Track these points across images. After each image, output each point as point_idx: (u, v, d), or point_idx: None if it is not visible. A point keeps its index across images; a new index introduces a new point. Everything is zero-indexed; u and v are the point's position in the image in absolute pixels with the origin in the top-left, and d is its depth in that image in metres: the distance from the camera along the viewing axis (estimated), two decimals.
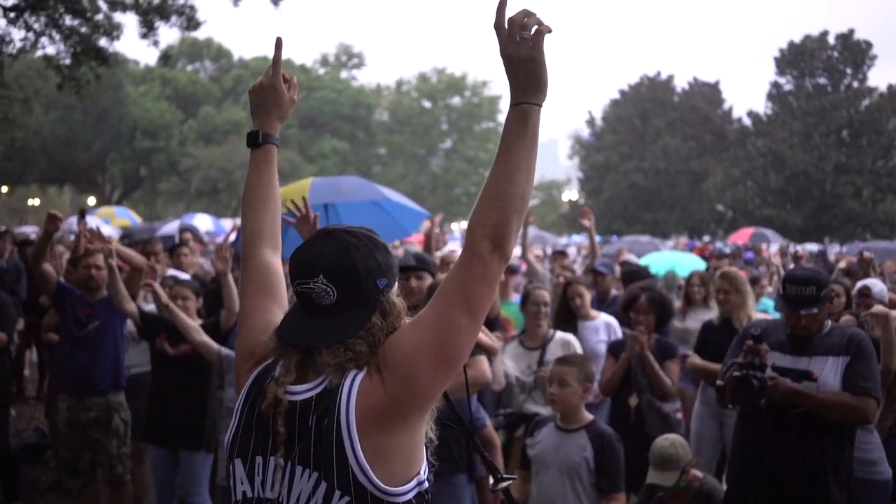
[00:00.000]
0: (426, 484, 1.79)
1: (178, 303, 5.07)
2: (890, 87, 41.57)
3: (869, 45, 42.45)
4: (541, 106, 1.80)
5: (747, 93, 67.23)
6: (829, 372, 3.82)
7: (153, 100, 44.11)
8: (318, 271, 1.80)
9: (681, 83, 49.81)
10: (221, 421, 5.11)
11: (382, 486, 1.70)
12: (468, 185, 50.60)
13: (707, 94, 48.17)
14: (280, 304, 2.06)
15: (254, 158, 2.20)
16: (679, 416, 5.38)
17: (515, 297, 6.95)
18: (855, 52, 42.28)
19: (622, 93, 49.63)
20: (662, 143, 46.15)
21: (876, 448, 4.74)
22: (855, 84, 42.47)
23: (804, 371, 3.79)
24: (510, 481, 2.16)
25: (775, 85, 44.04)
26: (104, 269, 5.35)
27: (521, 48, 1.76)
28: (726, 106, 48.63)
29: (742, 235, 25.04)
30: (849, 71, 42.49)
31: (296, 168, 45.54)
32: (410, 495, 1.75)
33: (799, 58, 43.08)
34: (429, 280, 4.67)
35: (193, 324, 4.85)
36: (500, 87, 53.00)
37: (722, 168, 44.16)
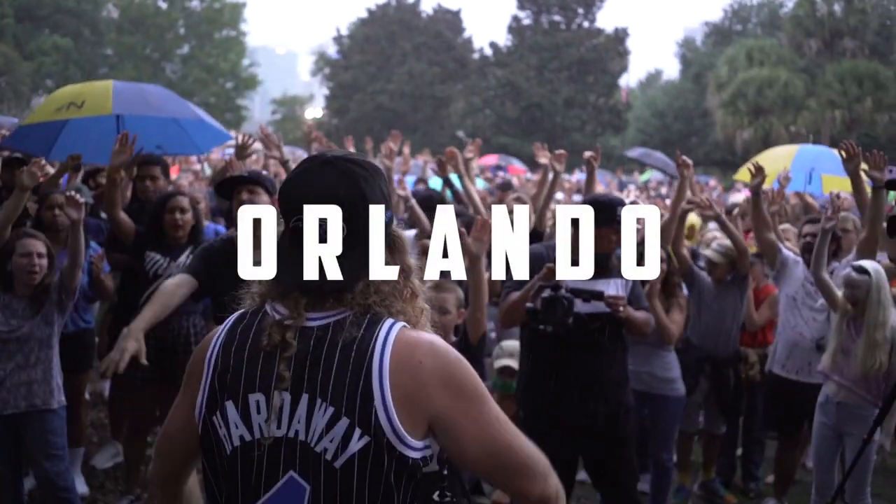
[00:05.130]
0: (429, 451, 1.69)
1: None
2: (616, 29, 44.90)
3: None
4: None
5: (489, 24, 69.49)
6: (612, 290, 4.12)
7: None
8: (325, 204, 1.66)
9: (426, 8, 50.38)
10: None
11: (402, 432, 1.61)
12: (206, 95, 47.94)
13: (450, 22, 49.12)
14: None
15: None
16: None
17: None
18: None
19: (370, 12, 49.26)
20: (408, 67, 46.60)
21: (674, 366, 5.21)
22: (585, 24, 45.28)
23: (596, 291, 4.03)
24: None
25: (515, 19, 45.82)
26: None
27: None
28: (466, 34, 49.93)
29: (487, 161, 26.14)
30: (580, 11, 45.13)
31: (10, 64, 40.62)
32: (418, 455, 1.65)
33: None
34: (265, 198, 4.03)
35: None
36: None
37: (463, 95, 45.59)
